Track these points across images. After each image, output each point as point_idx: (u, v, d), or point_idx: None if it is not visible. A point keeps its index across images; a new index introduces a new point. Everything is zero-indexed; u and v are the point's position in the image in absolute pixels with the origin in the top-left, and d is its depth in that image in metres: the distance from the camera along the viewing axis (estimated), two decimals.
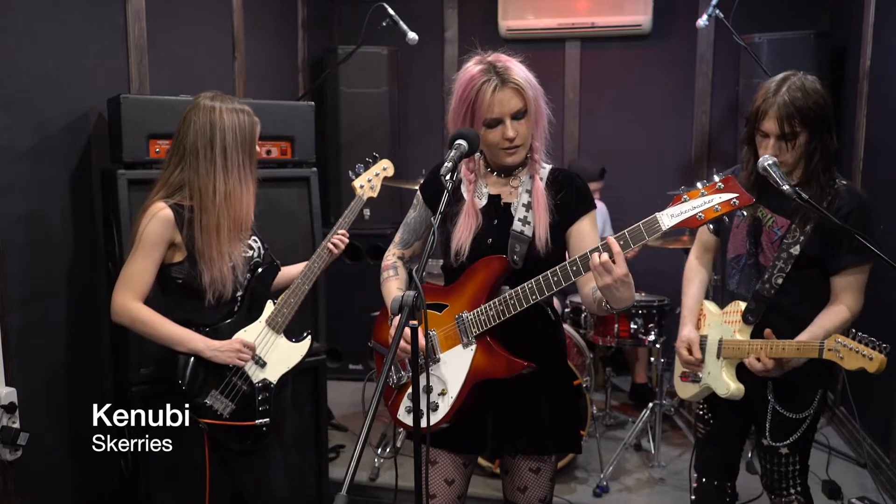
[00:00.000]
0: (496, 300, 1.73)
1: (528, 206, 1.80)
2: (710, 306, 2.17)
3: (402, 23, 3.63)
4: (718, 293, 2.21)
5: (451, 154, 1.60)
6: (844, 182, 1.95)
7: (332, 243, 2.29)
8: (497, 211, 1.84)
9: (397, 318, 1.79)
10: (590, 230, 1.81)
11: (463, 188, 1.87)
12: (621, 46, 4.67)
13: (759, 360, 1.91)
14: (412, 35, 3.64)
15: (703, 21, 3.58)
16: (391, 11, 3.63)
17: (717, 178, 1.52)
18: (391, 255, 2.02)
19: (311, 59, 4.71)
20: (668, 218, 1.53)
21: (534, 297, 1.68)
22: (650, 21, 4.48)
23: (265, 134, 2.68)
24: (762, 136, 1.93)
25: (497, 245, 1.80)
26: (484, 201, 1.85)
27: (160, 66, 2.99)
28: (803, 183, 1.92)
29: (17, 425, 2.17)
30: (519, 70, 1.72)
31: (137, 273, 1.97)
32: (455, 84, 1.77)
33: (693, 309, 2.19)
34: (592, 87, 4.76)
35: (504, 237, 1.80)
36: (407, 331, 1.38)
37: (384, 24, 3.64)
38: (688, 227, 1.55)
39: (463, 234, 1.80)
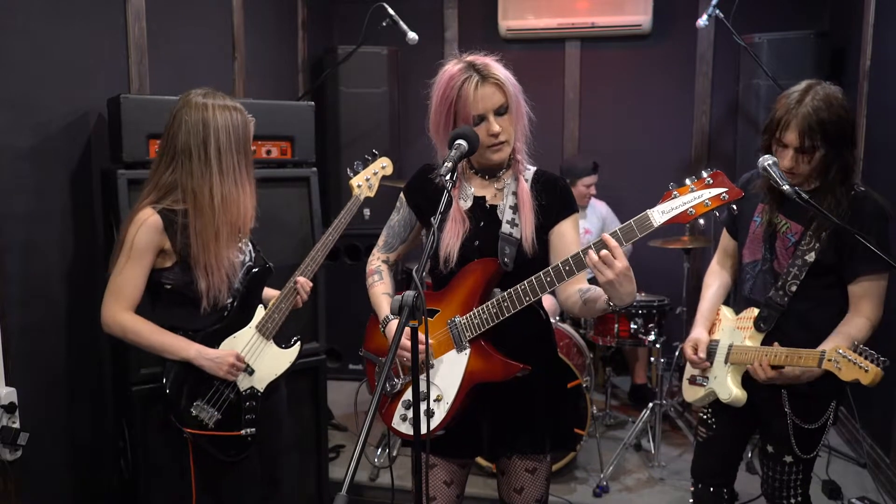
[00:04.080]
0: (488, 303, 1.73)
1: (515, 208, 1.80)
2: (726, 311, 2.17)
3: (402, 23, 3.63)
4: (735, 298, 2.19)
5: (451, 154, 1.59)
6: (863, 188, 1.92)
7: (299, 284, 2.15)
8: (483, 213, 1.83)
9: (393, 324, 1.78)
10: (571, 232, 1.81)
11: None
12: (621, 46, 4.67)
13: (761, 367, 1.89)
14: (412, 35, 3.64)
15: (703, 21, 3.58)
16: (391, 11, 3.63)
17: (705, 174, 1.52)
18: (375, 260, 2.00)
19: (311, 59, 4.70)
20: (659, 215, 1.54)
21: (527, 298, 1.68)
22: (650, 21, 4.47)
23: (265, 134, 2.70)
24: (781, 147, 1.89)
25: (484, 247, 1.79)
26: (469, 203, 1.84)
27: (160, 66, 2.98)
28: (818, 191, 1.89)
29: (17, 425, 2.17)
30: (498, 66, 1.74)
31: (127, 282, 1.90)
32: (434, 86, 1.77)
33: (706, 313, 2.17)
34: (592, 87, 4.76)
35: (491, 239, 1.79)
36: (405, 333, 1.36)
37: (384, 24, 3.65)
38: (680, 223, 1.55)
39: (451, 240, 1.78)
